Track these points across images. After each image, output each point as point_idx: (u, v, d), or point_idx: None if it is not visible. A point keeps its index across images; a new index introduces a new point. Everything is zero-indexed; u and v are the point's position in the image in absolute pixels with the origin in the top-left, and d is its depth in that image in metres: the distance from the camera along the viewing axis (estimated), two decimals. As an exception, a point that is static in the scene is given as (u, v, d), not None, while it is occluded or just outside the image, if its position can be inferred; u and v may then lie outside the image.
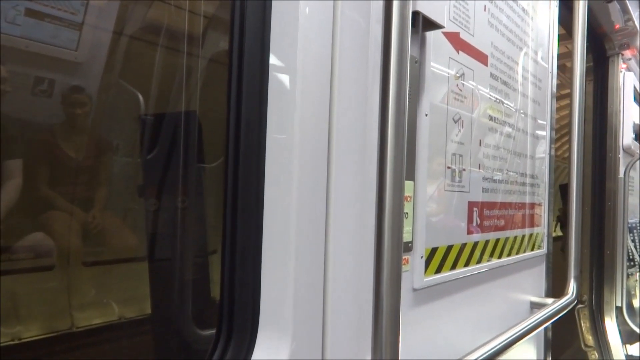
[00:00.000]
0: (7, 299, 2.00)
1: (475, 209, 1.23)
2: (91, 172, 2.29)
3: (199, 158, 1.77)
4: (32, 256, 1.93)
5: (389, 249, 0.71)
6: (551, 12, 1.74)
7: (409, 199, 0.98)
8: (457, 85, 1.14)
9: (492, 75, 1.31)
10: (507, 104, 1.41)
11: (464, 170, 1.18)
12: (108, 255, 2.29)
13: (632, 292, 3.21)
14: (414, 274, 1.01)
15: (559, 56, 1.82)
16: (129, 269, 2.30)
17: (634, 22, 2.84)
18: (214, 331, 0.83)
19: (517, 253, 1.49)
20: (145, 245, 1.97)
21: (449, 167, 1.11)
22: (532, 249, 1.60)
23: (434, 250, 1.07)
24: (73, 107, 2.16)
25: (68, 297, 2.26)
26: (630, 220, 3.09)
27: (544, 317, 1.39)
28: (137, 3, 2.19)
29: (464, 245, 1.18)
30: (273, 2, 0.80)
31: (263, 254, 0.79)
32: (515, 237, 1.47)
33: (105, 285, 2.34)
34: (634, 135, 3.06)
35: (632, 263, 3.18)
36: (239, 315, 0.79)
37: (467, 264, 1.20)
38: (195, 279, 1.72)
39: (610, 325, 3.07)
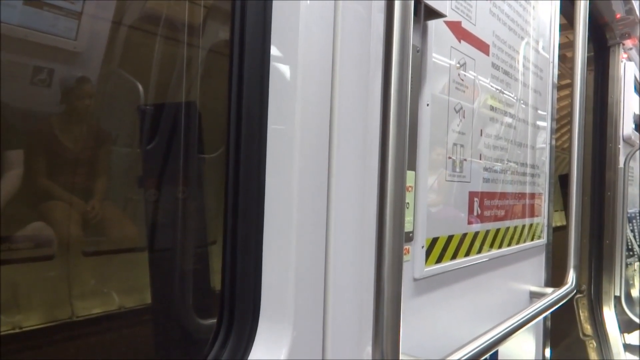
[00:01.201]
0: (7, 288, 2.01)
1: (475, 199, 1.24)
2: (90, 163, 2.28)
3: (199, 149, 1.76)
4: (32, 246, 1.94)
5: (390, 238, 0.71)
6: (552, 2, 1.73)
7: (410, 189, 0.98)
8: (458, 74, 1.13)
9: (493, 65, 1.30)
10: (508, 94, 1.40)
11: (465, 160, 1.18)
12: (108, 245, 2.30)
13: (631, 282, 3.22)
14: (414, 263, 1.01)
15: (560, 46, 1.82)
16: (129, 259, 2.31)
17: (635, 11, 2.82)
18: (214, 320, 0.83)
19: (517, 243, 1.49)
20: (146, 236, 1.98)
21: (449, 157, 1.11)
22: (532, 239, 1.61)
23: (434, 240, 1.07)
24: (72, 97, 2.15)
25: (68, 286, 2.27)
26: (629, 211, 3.10)
27: (543, 306, 1.39)
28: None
29: (464, 235, 1.18)
30: (274, -7, 0.79)
31: (264, 244, 0.79)
32: (516, 227, 1.48)
33: (105, 275, 2.34)
34: (634, 126, 3.06)
35: (631, 253, 3.19)
36: (240, 305, 0.80)
37: (467, 254, 1.20)
38: (195, 269, 1.73)
39: (609, 314, 3.09)
